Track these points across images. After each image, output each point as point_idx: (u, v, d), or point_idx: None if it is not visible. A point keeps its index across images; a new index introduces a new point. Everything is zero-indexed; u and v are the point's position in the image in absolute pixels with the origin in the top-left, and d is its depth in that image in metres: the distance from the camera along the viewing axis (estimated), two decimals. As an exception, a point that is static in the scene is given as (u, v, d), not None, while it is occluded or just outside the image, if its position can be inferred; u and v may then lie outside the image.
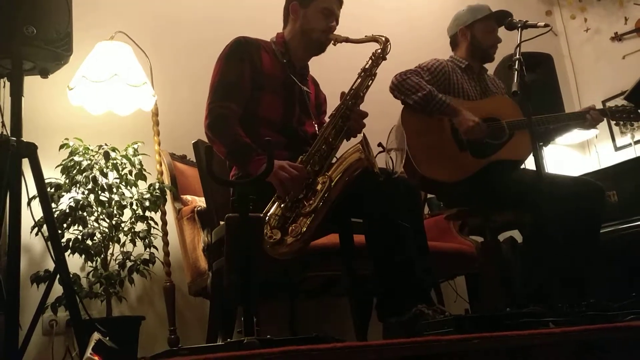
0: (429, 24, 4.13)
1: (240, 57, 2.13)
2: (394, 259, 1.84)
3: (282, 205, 1.89)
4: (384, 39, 2.13)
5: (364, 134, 1.98)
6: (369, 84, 2.09)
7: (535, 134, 2.12)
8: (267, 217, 1.88)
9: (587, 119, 2.57)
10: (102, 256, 2.49)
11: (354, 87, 2.07)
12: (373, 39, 2.14)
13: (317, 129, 2.23)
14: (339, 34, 2.20)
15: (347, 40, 2.16)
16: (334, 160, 1.98)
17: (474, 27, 2.67)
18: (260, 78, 2.14)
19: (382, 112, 2.33)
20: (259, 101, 2.13)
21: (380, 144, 1.96)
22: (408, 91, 2.48)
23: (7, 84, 1.79)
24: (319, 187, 1.89)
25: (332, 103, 2.12)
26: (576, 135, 4.08)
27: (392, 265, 1.84)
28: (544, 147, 2.99)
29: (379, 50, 2.12)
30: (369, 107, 2.11)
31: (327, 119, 2.11)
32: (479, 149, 2.47)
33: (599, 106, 2.88)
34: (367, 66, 2.11)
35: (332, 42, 2.19)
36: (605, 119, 2.62)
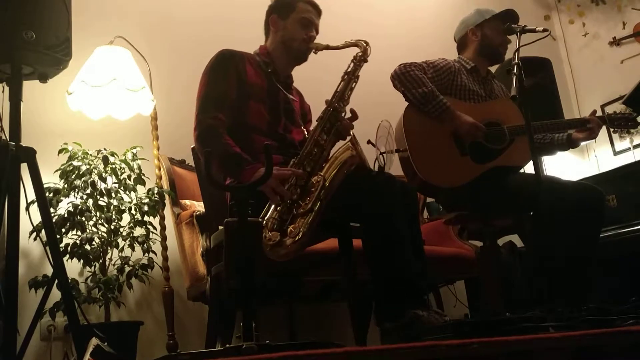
0: (428, 27, 4.14)
1: (225, 68, 2.16)
2: (391, 262, 1.84)
3: (279, 208, 1.90)
4: (364, 42, 2.18)
5: (352, 133, 2.01)
6: (353, 86, 2.13)
7: (533, 145, 2.11)
8: (265, 221, 1.88)
9: (588, 127, 2.55)
10: (101, 261, 2.49)
11: (338, 90, 2.11)
12: (353, 44, 2.19)
13: (305, 134, 2.26)
14: (319, 42, 2.25)
15: (327, 47, 2.22)
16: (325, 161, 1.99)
17: (483, 26, 2.67)
18: (246, 88, 2.17)
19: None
20: (246, 110, 2.15)
21: (369, 142, 2.00)
22: (409, 84, 2.45)
23: (6, 88, 1.78)
24: (313, 187, 1.90)
25: (317, 113, 2.14)
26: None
27: (388, 269, 1.84)
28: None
29: (360, 54, 2.17)
30: (357, 108, 2.14)
31: (313, 126, 2.13)
32: (480, 154, 2.46)
33: (598, 110, 2.87)
34: (349, 69, 2.15)
35: (313, 50, 2.25)
36: (604, 125, 2.61)
